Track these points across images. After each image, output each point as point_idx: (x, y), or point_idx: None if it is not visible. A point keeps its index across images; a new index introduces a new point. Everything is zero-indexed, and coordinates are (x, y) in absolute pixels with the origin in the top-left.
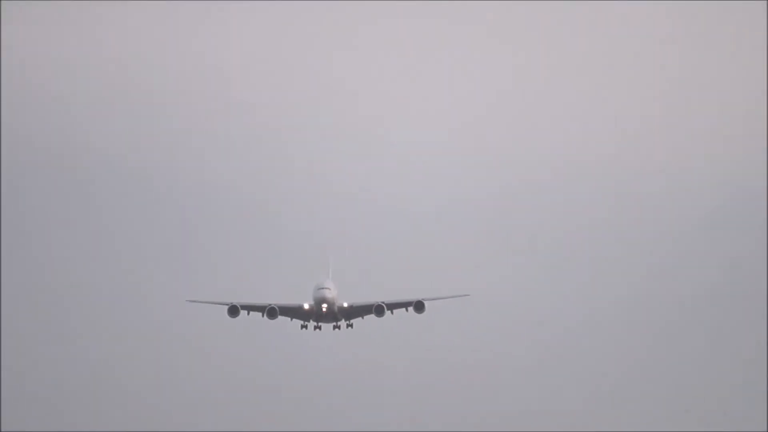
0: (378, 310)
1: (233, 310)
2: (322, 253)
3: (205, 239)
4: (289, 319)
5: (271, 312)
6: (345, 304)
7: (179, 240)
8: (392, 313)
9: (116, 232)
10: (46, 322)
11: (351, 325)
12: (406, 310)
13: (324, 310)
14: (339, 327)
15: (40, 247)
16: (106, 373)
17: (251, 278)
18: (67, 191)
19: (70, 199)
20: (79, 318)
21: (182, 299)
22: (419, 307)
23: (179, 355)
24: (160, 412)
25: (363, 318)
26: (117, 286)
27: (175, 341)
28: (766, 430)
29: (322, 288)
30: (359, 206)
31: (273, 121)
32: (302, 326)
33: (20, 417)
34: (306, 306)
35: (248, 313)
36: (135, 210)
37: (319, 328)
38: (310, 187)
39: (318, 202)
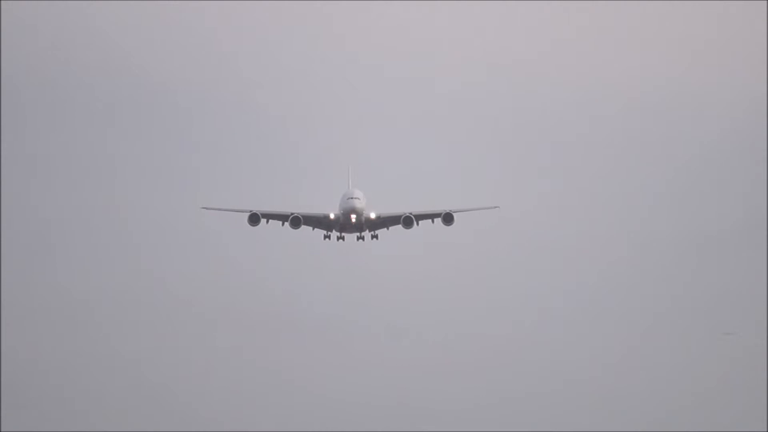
0: (406, 221)
1: (254, 218)
2: (343, 164)
3: (222, 148)
4: (311, 228)
5: (295, 220)
6: (372, 215)
7: (196, 149)
8: (419, 224)
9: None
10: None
11: (376, 236)
12: (433, 221)
13: (353, 220)
14: (363, 238)
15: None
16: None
17: (269, 188)
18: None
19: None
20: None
21: (198, 207)
22: (448, 218)
23: (196, 265)
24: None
25: (388, 229)
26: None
27: (191, 250)
28: (766, 430)
29: (352, 198)
30: (384, 118)
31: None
32: (325, 236)
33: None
34: (332, 215)
35: (268, 222)
36: (153, 119)
37: (343, 238)
38: (334, 97)
39: (342, 113)
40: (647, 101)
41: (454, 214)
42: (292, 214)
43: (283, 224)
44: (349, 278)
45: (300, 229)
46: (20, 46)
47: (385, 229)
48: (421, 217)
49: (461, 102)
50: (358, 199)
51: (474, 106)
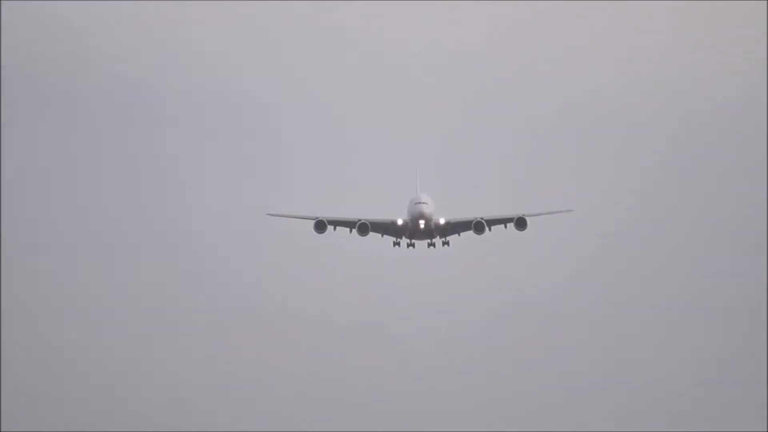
0: (477, 226)
1: (320, 225)
2: (410, 168)
3: (285, 154)
4: (380, 235)
5: (362, 227)
6: (442, 221)
7: (260, 155)
8: (490, 230)
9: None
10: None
11: (447, 243)
12: (506, 226)
13: (421, 226)
14: (434, 244)
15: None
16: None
17: (334, 195)
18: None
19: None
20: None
21: (262, 213)
22: (521, 223)
23: (259, 273)
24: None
25: (459, 235)
26: (197, 200)
27: (256, 257)
28: (766, 430)
29: (420, 203)
30: (451, 119)
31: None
32: (394, 243)
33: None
34: (400, 222)
35: (335, 229)
36: (218, 126)
37: (413, 245)
38: (398, 101)
39: (407, 115)
40: (645, 101)
41: (527, 219)
42: (359, 220)
43: (351, 231)
44: (417, 286)
45: (368, 236)
46: (20, 46)
47: (456, 235)
48: (492, 222)
49: (522, 103)
50: (426, 204)
51: (536, 105)
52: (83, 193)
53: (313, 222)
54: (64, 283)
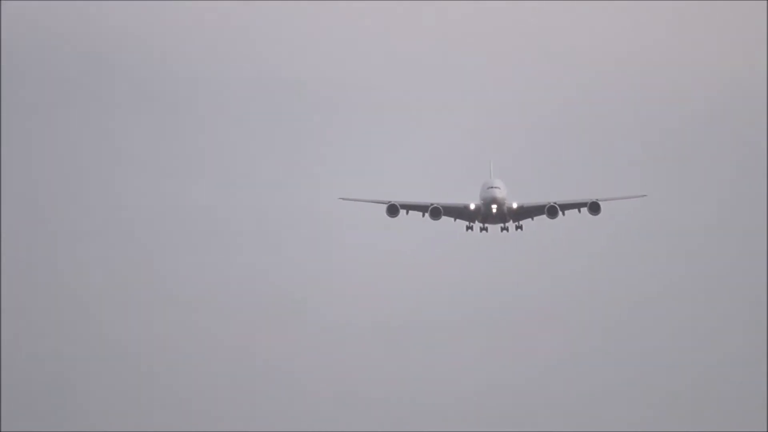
0: (550, 210)
1: (392, 209)
2: (484, 153)
3: (360, 139)
4: (453, 219)
5: (435, 211)
6: (514, 205)
7: (334, 139)
8: (564, 214)
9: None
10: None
11: (520, 227)
12: (579, 211)
13: (494, 210)
14: (507, 229)
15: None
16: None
17: (406, 180)
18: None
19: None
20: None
21: (335, 197)
22: (594, 207)
23: (336, 251)
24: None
25: (533, 219)
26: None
27: (330, 239)
28: (766, 430)
29: (492, 187)
30: (524, 106)
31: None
32: (467, 227)
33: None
34: (472, 206)
35: (407, 213)
36: (286, 111)
37: (486, 229)
38: (472, 88)
39: (480, 102)
40: (643, 101)
41: (601, 203)
42: (431, 204)
43: (423, 215)
44: (491, 270)
45: (440, 220)
46: (20, 46)
47: (530, 219)
48: (566, 206)
49: (594, 92)
50: (499, 188)
51: (605, 95)
52: (83, 193)
53: (385, 206)
54: (72, 284)
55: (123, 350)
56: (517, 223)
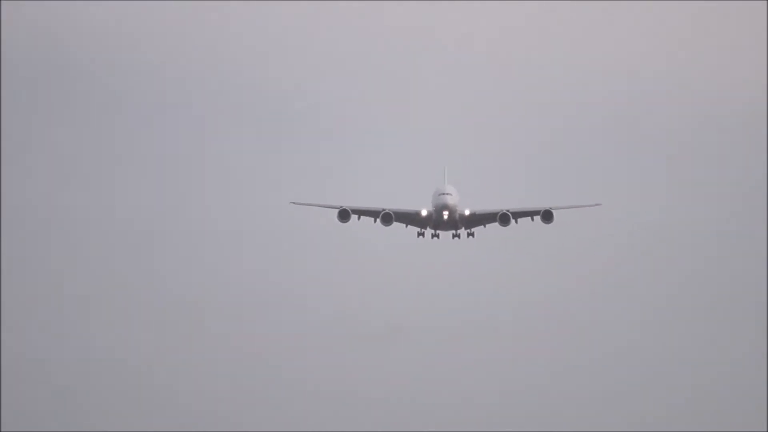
0: (503, 218)
1: (344, 214)
2: (437, 160)
3: (309, 145)
4: (404, 226)
5: (386, 217)
6: (467, 212)
7: (284, 144)
8: (517, 222)
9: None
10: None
11: (472, 234)
12: (532, 219)
13: (445, 217)
14: (458, 236)
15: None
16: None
17: (359, 185)
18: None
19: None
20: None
21: (286, 201)
22: (547, 216)
23: (285, 261)
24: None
25: (485, 227)
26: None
27: (280, 246)
28: (766, 430)
29: (444, 194)
30: (478, 110)
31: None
32: (419, 234)
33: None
34: (424, 212)
35: (359, 218)
36: (236, 113)
37: (437, 236)
38: (425, 94)
39: (433, 107)
40: (643, 102)
41: (554, 212)
42: (383, 210)
43: (375, 221)
44: (438, 279)
45: (391, 225)
46: (20, 46)
47: (482, 226)
48: (519, 214)
49: (546, 99)
50: (450, 195)
51: (561, 100)
52: (83, 192)
53: (336, 211)
54: (68, 283)
55: (122, 350)
56: (468, 230)
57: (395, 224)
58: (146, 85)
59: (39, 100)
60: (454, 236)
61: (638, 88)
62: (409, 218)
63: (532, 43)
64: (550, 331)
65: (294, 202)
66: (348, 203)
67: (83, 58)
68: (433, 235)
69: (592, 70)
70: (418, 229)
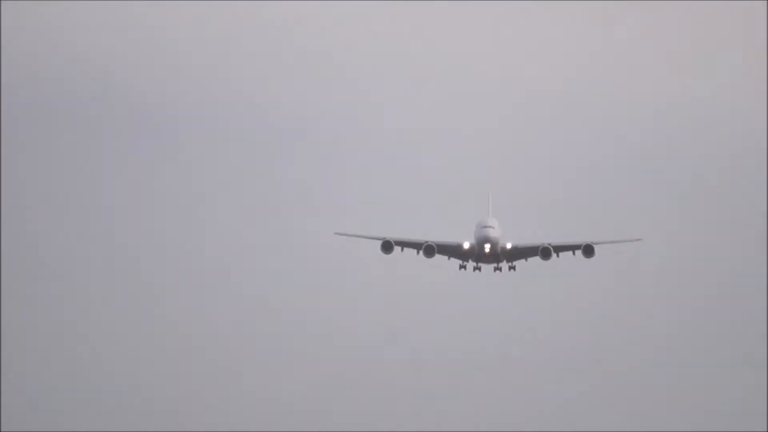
0: (544, 252)
1: (387, 246)
2: (482, 191)
3: (355, 174)
4: (447, 258)
5: (428, 249)
6: (508, 245)
7: (330, 174)
8: (558, 256)
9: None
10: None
11: (513, 267)
12: (573, 253)
13: (487, 250)
14: (500, 269)
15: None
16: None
17: (403, 216)
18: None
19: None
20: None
21: (330, 233)
22: (588, 250)
23: (328, 292)
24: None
25: (527, 260)
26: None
27: (324, 276)
28: (766, 430)
29: (486, 227)
30: (520, 145)
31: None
32: (461, 266)
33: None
34: (466, 245)
35: (402, 250)
36: (283, 143)
37: (479, 269)
38: (470, 124)
39: (475, 140)
40: (643, 102)
41: (595, 246)
42: (426, 242)
43: (418, 253)
44: (477, 312)
45: (434, 258)
46: (20, 46)
47: (524, 260)
48: (560, 248)
49: (594, 129)
50: (493, 228)
51: (605, 131)
52: (84, 195)
53: (380, 242)
54: (67, 289)
55: (122, 349)
56: (510, 264)
57: (437, 256)
58: (147, 85)
59: (39, 100)
60: (495, 269)
61: (633, 89)
62: (452, 250)
63: (573, 71)
64: (581, 367)
65: (338, 233)
66: (391, 235)
67: (83, 58)
68: (474, 268)
69: (632, 102)
70: (460, 262)
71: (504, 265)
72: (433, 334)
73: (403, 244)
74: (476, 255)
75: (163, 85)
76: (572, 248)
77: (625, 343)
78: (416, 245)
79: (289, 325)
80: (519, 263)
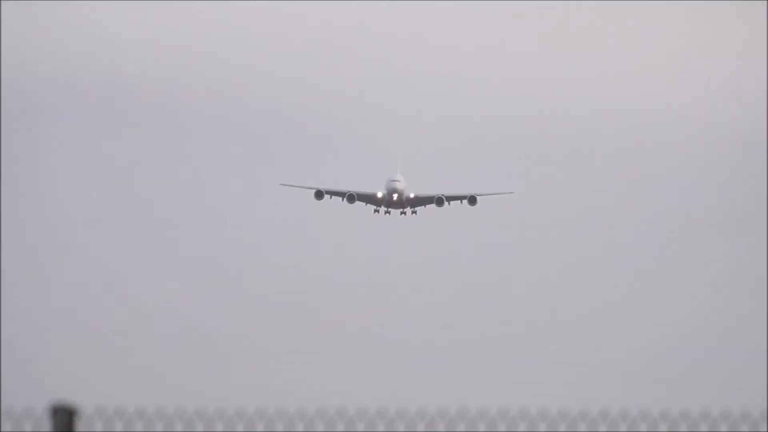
0: (438, 201)
1: (318, 194)
2: (395, 153)
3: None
4: (364, 204)
5: (350, 197)
6: (411, 195)
7: (273, 132)
8: (449, 204)
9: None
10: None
11: (415, 212)
12: (461, 202)
13: (394, 198)
14: (405, 213)
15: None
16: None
17: (333, 171)
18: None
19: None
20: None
21: (277, 183)
22: (472, 200)
23: (269, 231)
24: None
25: (425, 207)
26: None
27: (268, 219)
28: (766, 430)
29: (394, 180)
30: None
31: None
32: (375, 210)
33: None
34: (379, 194)
35: (330, 197)
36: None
37: (389, 212)
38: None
39: (394, 104)
40: (643, 102)
41: (478, 197)
42: (348, 191)
43: (342, 200)
44: (389, 247)
45: (354, 204)
46: (20, 46)
47: (423, 207)
48: (450, 198)
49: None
50: (399, 181)
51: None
52: (84, 195)
53: (314, 191)
54: (66, 284)
55: (121, 349)
56: (413, 209)
57: (357, 203)
58: (147, 85)
59: (39, 100)
60: (401, 213)
61: (632, 88)
62: (368, 198)
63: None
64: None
65: (283, 184)
66: (324, 185)
67: (83, 58)
68: (385, 212)
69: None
70: (375, 207)
71: (408, 210)
72: (349, 264)
73: (332, 193)
74: (386, 202)
75: (163, 85)
76: (460, 198)
77: (500, 269)
78: (341, 194)
79: (228, 260)
80: (419, 209)
